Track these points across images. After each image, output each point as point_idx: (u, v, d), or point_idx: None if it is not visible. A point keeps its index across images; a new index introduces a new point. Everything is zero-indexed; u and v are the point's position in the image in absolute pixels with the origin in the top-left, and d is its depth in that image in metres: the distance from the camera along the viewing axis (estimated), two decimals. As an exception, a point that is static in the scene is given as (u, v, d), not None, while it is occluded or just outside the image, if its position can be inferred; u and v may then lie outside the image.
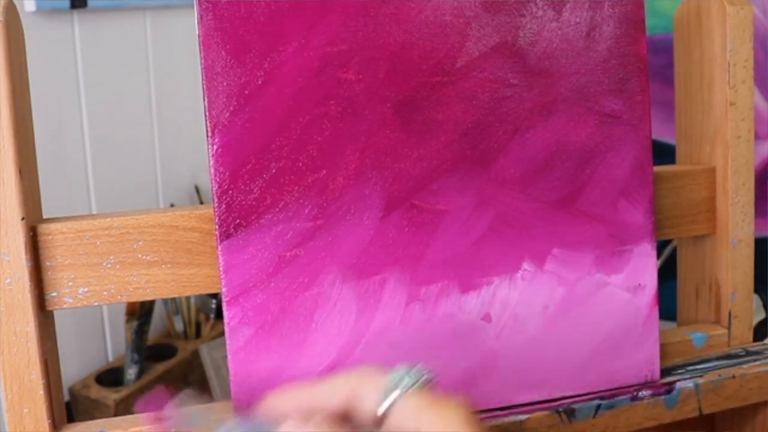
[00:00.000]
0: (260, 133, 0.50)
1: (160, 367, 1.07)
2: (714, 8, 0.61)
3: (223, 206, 0.50)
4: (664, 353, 0.60)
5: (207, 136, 0.50)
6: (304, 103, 0.51)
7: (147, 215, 0.52)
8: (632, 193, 0.57)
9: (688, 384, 0.59)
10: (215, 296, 1.12)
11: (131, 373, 1.04)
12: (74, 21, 1.05)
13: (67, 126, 1.06)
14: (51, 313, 0.52)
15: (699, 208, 0.63)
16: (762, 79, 0.87)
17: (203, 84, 0.49)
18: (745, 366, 0.61)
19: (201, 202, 1.21)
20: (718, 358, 0.62)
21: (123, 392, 1.00)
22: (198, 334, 1.16)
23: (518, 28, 0.54)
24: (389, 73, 0.52)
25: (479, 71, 0.54)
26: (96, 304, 0.52)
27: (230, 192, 0.50)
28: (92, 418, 0.84)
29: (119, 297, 0.52)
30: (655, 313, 0.58)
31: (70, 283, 0.51)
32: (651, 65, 0.58)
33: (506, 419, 0.55)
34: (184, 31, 1.16)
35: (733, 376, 0.60)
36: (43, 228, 0.51)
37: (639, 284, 0.57)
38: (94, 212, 1.10)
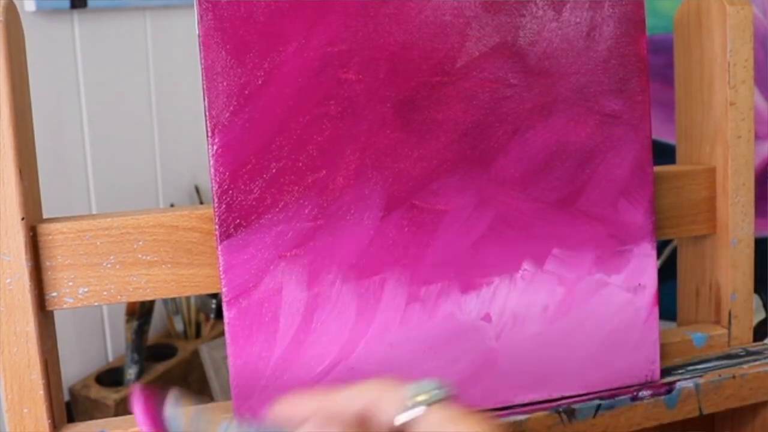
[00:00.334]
0: (260, 133, 0.50)
1: (160, 367, 1.07)
2: (714, 8, 0.61)
3: (223, 206, 0.50)
4: (664, 353, 0.60)
5: (207, 136, 0.50)
6: (304, 103, 0.51)
7: (147, 215, 0.52)
8: (632, 193, 0.57)
9: (688, 384, 0.59)
10: (215, 296, 1.12)
11: (131, 373, 1.04)
12: (74, 21, 1.05)
13: (67, 126, 1.06)
14: (51, 313, 0.52)
15: (699, 208, 0.63)
16: (762, 79, 0.87)
17: (203, 84, 0.49)
18: (745, 366, 0.61)
19: (201, 202, 1.21)
20: (718, 358, 0.62)
21: (123, 392, 1.00)
22: (198, 334, 1.16)
23: (518, 28, 0.54)
24: (389, 73, 0.52)
25: (479, 71, 0.54)
26: (96, 304, 0.52)
27: (230, 192, 0.50)
28: (92, 418, 0.84)
29: (119, 297, 0.52)
30: (655, 313, 0.58)
31: (70, 283, 0.51)
32: (651, 65, 0.58)
33: (506, 419, 0.55)
34: (184, 31, 1.16)
35: (733, 376, 0.60)
36: (43, 228, 0.51)
37: (639, 284, 0.57)
38: (94, 212, 1.10)
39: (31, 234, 0.50)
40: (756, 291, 0.69)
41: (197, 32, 0.49)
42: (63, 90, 1.05)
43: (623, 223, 0.57)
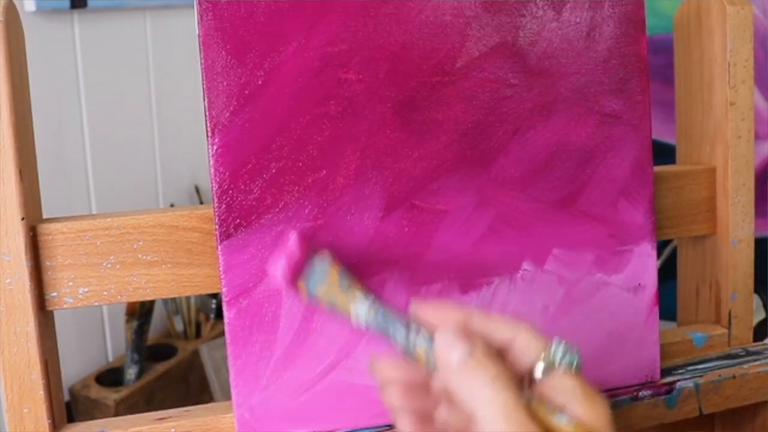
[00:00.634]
0: (260, 133, 0.50)
1: (160, 367, 1.07)
2: (714, 8, 0.61)
3: (223, 206, 0.50)
4: (664, 353, 0.60)
5: (207, 136, 0.50)
6: (304, 103, 0.51)
7: (147, 215, 0.52)
8: (632, 193, 0.57)
9: (688, 384, 0.59)
10: (215, 296, 1.12)
11: (131, 373, 1.04)
12: (74, 21, 1.05)
13: (67, 126, 1.06)
14: (51, 313, 0.52)
15: (699, 208, 0.63)
16: (762, 79, 0.87)
17: (203, 84, 0.49)
18: (745, 366, 0.61)
19: (201, 202, 1.21)
20: (718, 358, 0.62)
21: (123, 392, 1.00)
22: (198, 334, 1.16)
23: (518, 28, 0.54)
24: (389, 73, 0.52)
25: (479, 71, 0.54)
26: (96, 304, 0.52)
27: (230, 192, 0.50)
28: (92, 418, 0.84)
29: (119, 297, 0.52)
30: (655, 313, 0.58)
31: (70, 283, 0.51)
32: (651, 65, 0.58)
33: (506, 419, 0.55)
34: (184, 31, 1.16)
35: (733, 376, 0.60)
36: (43, 228, 0.51)
37: (639, 284, 0.57)
38: (94, 212, 1.10)
39: (31, 234, 0.50)
40: (756, 291, 0.69)
41: (197, 32, 0.49)
42: (63, 90, 1.05)
43: (623, 223, 0.57)
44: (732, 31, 0.61)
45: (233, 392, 0.51)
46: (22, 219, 0.49)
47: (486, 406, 0.36)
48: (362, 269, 0.52)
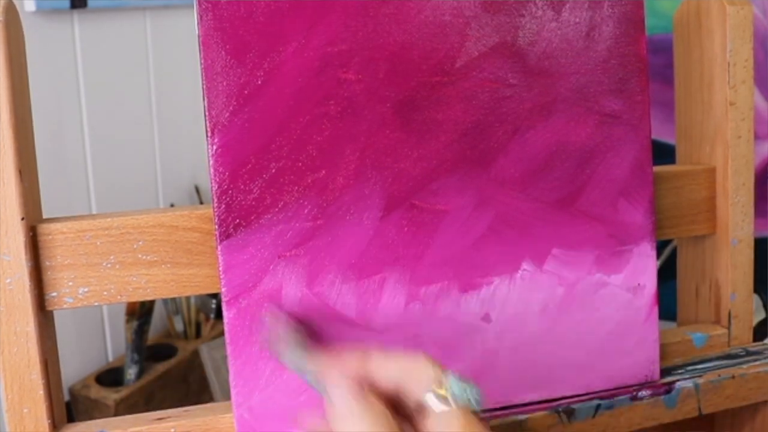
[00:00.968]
0: (260, 133, 0.50)
1: (160, 367, 1.07)
2: (714, 8, 0.61)
3: (223, 206, 0.50)
4: (664, 353, 0.60)
5: (207, 136, 0.50)
6: (304, 103, 0.51)
7: (147, 215, 0.52)
8: (632, 193, 0.57)
9: (688, 384, 0.59)
10: (215, 296, 1.12)
11: (131, 373, 1.04)
12: (74, 21, 1.05)
13: (67, 126, 1.06)
14: (51, 313, 0.52)
15: (699, 208, 0.63)
16: (762, 79, 0.87)
17: (203, 84, 0.49)
18: (745, 366, 0.61)
19: (201, 202, 1.21)
20: (718, 358, 0.62)
21: (123, 392, 1.00)
22: (198, 334, 1.16)
23: (518, 28, 0.54)
24: (389, 73, 0.52)
25: (479, 71, 0.54)
26: (96, 304, 0.52)
27: (230, 192, 0.50)
28: (92, 418, 0.83)
29: (119, 297, 0.52)
30: (655, 313, 0.58)
31: (70, 283, 0.51)
32: (651, 65, 0.58)
33: (506, 419, 0.55)
34: (184, 31, 1.16)
35: (733, 376, 0.60)
36: (43, 228, 0.51)
37: (639, 284, 0.57)
38: (94, 212, 1.10)
39: (31, 234, 0.50)
40: (756, 291, 0.69)
41: (197, 32, 0.49)
42: (63, 90, 1.05)
43: (623, 223, 0.57)
44: (732, 31, 0.61)
45: (233, 392, 0.51)
46: (22, 219, 0.49)
47: None
48: (362, 269, 0.52)
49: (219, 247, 0.50)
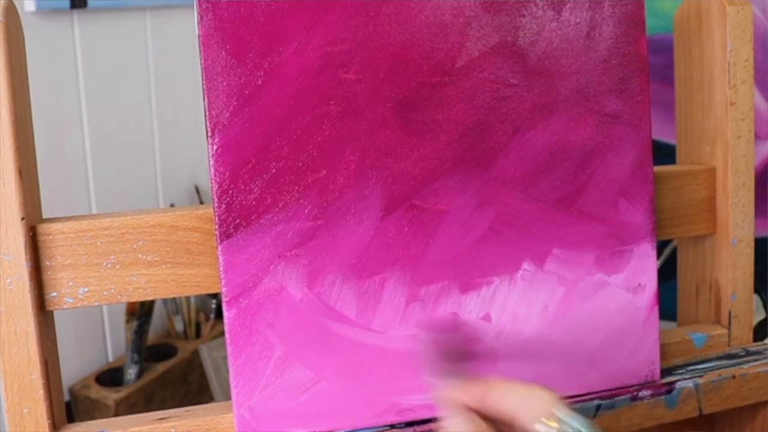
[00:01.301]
0: (260, 133, 0.50)
1: (160, 367, 1.07)
2: (714, 8, 0.61)
3: (223, 206, 0.50)
4: (664, 353, 0.60)
5: (207, 136, 0.50)
6: (304, 103, 0.51)
7: (147, 215, 0.52)
8: (632, 193, 0.57)
9: (688, 384, 0.59)
10: (215, 296, 1.12)
11: (131, 373, 1.04)
12: (74, 21, 1.05)
13: (67, 126, 1.06)
14: (51, 313, 0.52)
15: (699, 208, 0.63)
16: (762, 79, 0.87)
17: (203, 84, 0.49)
18: (745, 366, 0.61)
19: (201, 202, 1.21)
20: (718, 358, 0.62)
21: (123, 392, 1.00)
22: (198, 334, 1.16)
23: (518, 28, 0.54)
24: (389, 73, 0.52)
25: (479, 71, 0.53)
26: (96, 304, 0.52)
27: (230, 192, 0.50)
28: (92, 418, 0.84)
29: (119, 297, 0.52)
30: (655, 313, 0.58)
31: (70, 283, 0.51)
32: (651, 65, 0.58)
33: (506, 419, 0.55)
34: (184, 31, 1.16)
35: (733, 376, 0.60)
36: (43, 228, 0.51)
37: (639, 284, 0.57)
38: (94, 212, 1.10)
39: (31, 234, 0.50)
40: (756, 291, 0.69)
41: (197, 32, 0.49)
42: (63, 90, 1.05)
43: (623, 223, 0.57)
44: (732, 31, 0.61)
45: (233, 392, 0.51)
46: (22, 219, 0.49)
47: None
48: (362, 269, 0.52)
49: (219, 247, 0.50)
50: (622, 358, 0.57)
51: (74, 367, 1.06)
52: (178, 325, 1.17)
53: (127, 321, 1.03)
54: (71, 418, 0.59)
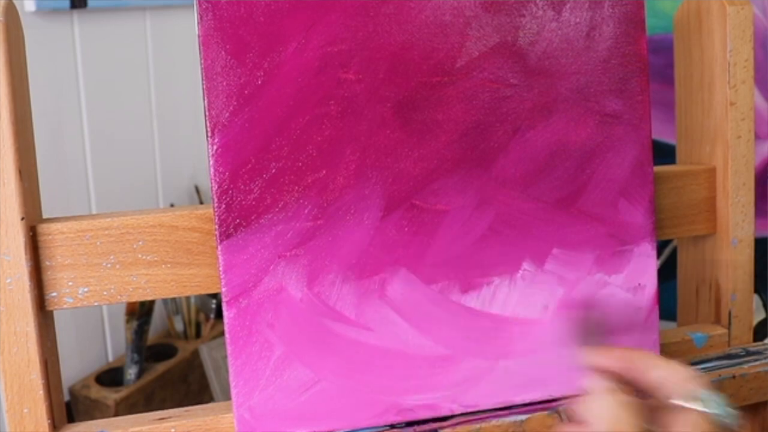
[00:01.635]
0: (260, 133, 0.50)
1: (160, 367, 1.07)
2: (714, 8, 0.61)
3: (223, 206, 0.50)
4: (664, 353, 0.60)
5: (207, 136, 0.50)
6: (304, 103, 0.51)
7: (147, 215, 0.52)
8: (632, 193, 0.57)
9: (688, 384, 0.59)
10: (215, 296, 1.12)
11: (131, 373, 1.04)
12: (74, 21, 1.05)
13: (67, 126, 1.06)
14: (51, 313, 0.52)
15: (699, 208, 0.63)
16: (762, 79, 0.87)
17: (203, 84, 0.49)
18: (745, 366, 0.61)
19: (201, 202, 1.21)
20: (718, 358, 0.62)
21: (123, 392, 1.00)
22: (198, 334, 1.16)
23: (518, 28, 0.54)
24: (389, 73, 0.52)
25: (479, 71, 0.54)
26: (96, 304, 0.52)
27: (230, 192, 0.50)
28: (92, 418, 0.84)
29: (119, 297, 0.52)
30: (655, 313, 0.58)
31: (70, 283, 0.51)
32: (651, 65, 0.58)
33: (506, 419, 0.55)
34: (184, 31, 1.16)
35: (733, 376, 0.60)
36: (43, 228, 0.51)
37: (639, 284, 0.57)
38: (94, 212, 1.10)
39: (31, 234, 0.50)
40: (756, 291, 0.69)
41: (197, 32, 0.49)
42: (63, 90, 1.05)
43: (623, 223, 0.57)
44: (732, 31, 0.61)
45: (233, 392, 0.51)
46: (22, 219, 0.49)
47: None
48: (362, 269, 0.52)
49: (219, 247, 0.50)
50: (622, 358, 0.57)
51: (74, 367, 1.06)
52: (178, 325, 1.17)
53: (127, 321, 1.03)
54: (71, 418, 0.59)
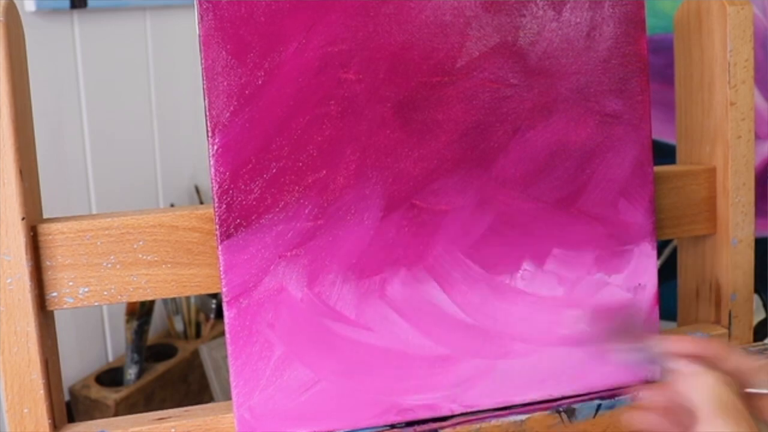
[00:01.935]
0: (260, 133, 0.50)
1: (160, 367, 1.07)
2: (714, 8, 0.61)
3: (223, 206, 0.50)
4: (664, 353, 0.60)
5: (207, 136, 0.50)
6: (304, 103, 0.51)
7: (147, 215, 0.52)
8: (632, 193, 0.57)
9: (688, 384, 0.59)
10: (215, 296, 1.12)
11: (131, 373, 1.04)
12: (74, 21, 1.05)
13: (67, 126, 1.06)
14: (51, 313, 0.52)
15: (699, 208, 0.63)
16: (762, 79, 0.87)
17: (203, 84, 0.49)
18: (745, 366, 0.61)
19: (201, 202, 1.21)
20: (718, 358, 0.62)
21: (123, 392, 1.00)
22: (198, 334, 1.16)
23: (518, 28, 0.54)
24: (389, 73, 0.52)
25: (479, 71, 0.54)
26: (96, 304, 0.52)
27: (230, 192, 0.50)
28: (92, 418, 0.84)
29: (119, 297, 0.52)
30: (655, 313, 0.58)
31: (71, 283, 0.51)
32: (651, 65, 0.58)
33: (506, 419, 0.55)
34: (184, 31, 1.16)
35: (733, 376, 0.60)
36: (43, 228, 0.51)
37: (639, 284, 0.57)
38: (94, 212, 1.10)
39: (31, 234, 0.50)
40: (756, 291, 0.69)
41: (197, 32, 0.49)
42: (63, 90, 1.05)
43: (623, 223, 0.57)
44: (732, 31, 0.61)
45: (233, 392, 0.51)
46: (23, 219, 0.49)
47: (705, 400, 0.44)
48: (362, 269, 0.52)
49: (219, 247, 0.50)
50: (622, 358, 0.57)
51: (74, 367, 1.06)
52: (178, 325, 1.17)
53: (127, 321, 1.03)
54: (71, 418, 0.59)
